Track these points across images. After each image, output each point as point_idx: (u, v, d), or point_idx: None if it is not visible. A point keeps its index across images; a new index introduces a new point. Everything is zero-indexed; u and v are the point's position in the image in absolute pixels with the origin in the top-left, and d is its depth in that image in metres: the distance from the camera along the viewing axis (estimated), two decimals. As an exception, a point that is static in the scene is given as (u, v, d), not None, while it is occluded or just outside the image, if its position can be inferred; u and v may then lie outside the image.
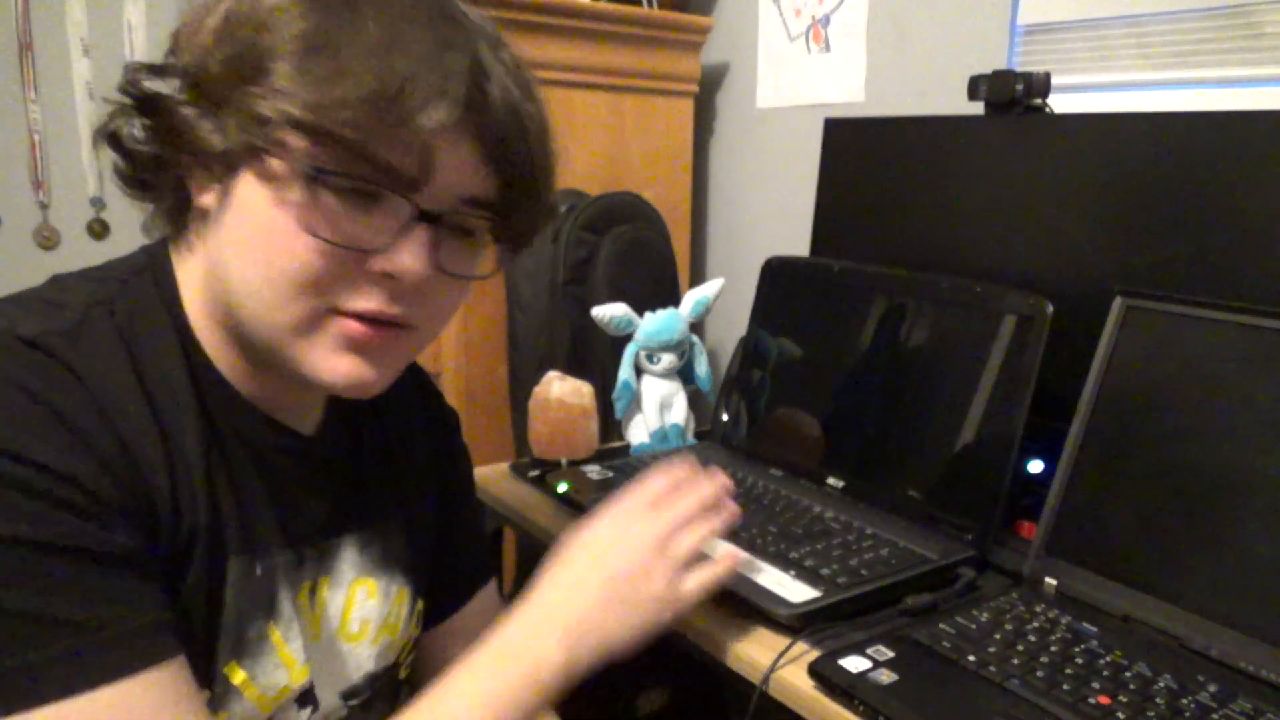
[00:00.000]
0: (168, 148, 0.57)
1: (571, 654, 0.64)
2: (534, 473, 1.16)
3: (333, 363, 0.58)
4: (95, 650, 0.49)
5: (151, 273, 0.61)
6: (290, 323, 0.56)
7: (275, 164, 0.54)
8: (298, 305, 0.56)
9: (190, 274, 0.61)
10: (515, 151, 0.58)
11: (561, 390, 1.17)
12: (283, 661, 0.62)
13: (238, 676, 0.59)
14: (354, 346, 0.58)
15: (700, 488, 0.76)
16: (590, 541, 0.71)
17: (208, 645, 0.57)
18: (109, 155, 0.60)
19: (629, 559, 0.69)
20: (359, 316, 0.57)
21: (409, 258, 0.56)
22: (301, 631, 0.64)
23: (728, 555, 0.77)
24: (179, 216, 0.61)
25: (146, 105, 0.56)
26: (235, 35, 0.53)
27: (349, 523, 0.70)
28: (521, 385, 1.41)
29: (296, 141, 0.53)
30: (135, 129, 0.58)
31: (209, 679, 0.58)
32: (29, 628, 0.47)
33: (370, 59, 0.51)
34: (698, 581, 0.72)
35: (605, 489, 1.07)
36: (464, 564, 0.82)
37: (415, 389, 0.81)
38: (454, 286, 0.61)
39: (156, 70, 0.57)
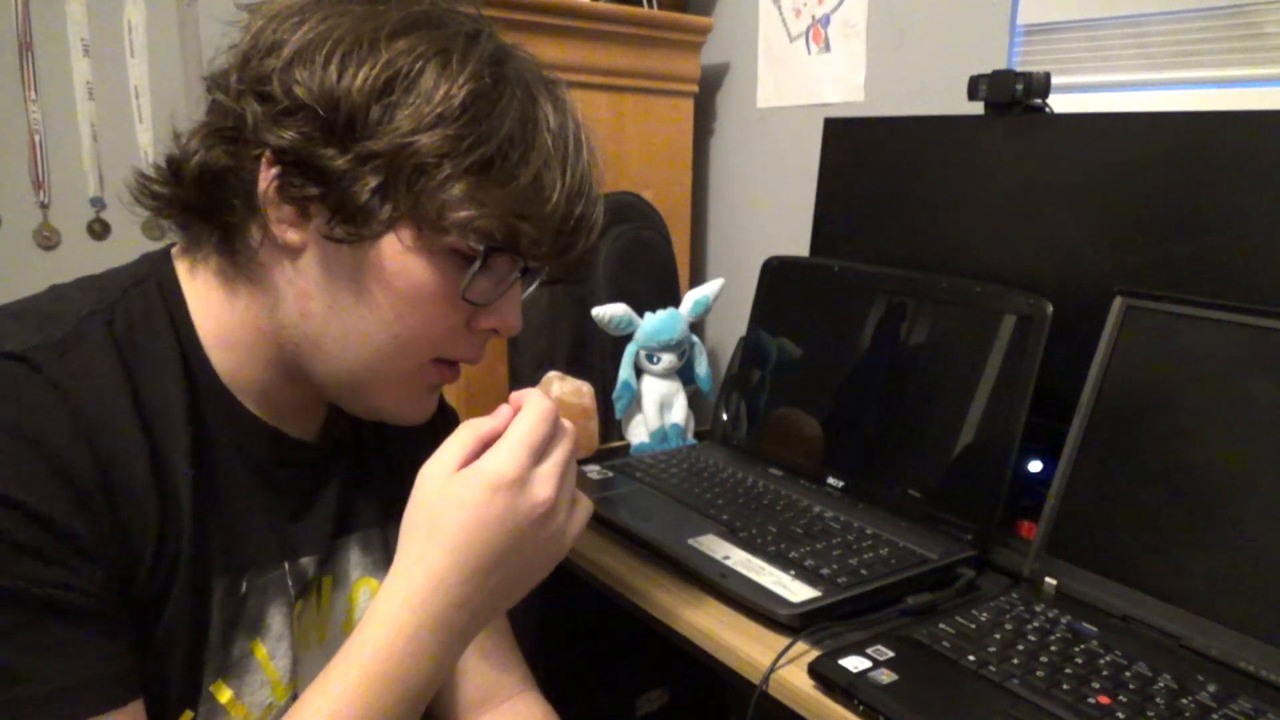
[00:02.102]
0: (250, 178, 0.56)
1: (457, 648, 0.58)
2: (534, 473, 1.16)
3: (416, 404, 0.64)
4: (26, 703, 0.48)
5: (155, 282, 0.60)
6: (398, 371, 0.61)
7: (446, 239, 0.57)
8: (414, 358, 0.61)
9: (225, 289, 0.60)
10: (592, 235, 0.65)
11: (561, 390, 1.17)
12: (268, 679, 0.62)
13: (224, 695, 0.59)
14: (435, 388, 0.65)
15: (565, 426, 0.63)
16: (480, 522, 0.55)
17: (194, 663, 0.57)
18: (126, 146, 0.59)
19: (536, 535, 0.57)
20: (451, 363, 0.64)
21: (512, 315, 0.64)
22: (291, 648, 0.64)
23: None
24: (225, 238, 0.59)
25: (286, 154, 0.55)
26: (402, 112, 0.54)
27: (352, 523, 0.70)
28: (521, 385, 1.40)
29: (464, 227, 0.57)
30: (221, 157, 0.57)
31: (194, 698, 0.57)
32: None
33: (549, 173, 0.58)
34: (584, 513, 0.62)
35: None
36: None
37: None
38: None
39: (266, 99, 0.55)
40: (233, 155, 0.56)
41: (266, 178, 0.56)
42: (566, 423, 0.62)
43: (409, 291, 0.57)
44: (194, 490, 0.57)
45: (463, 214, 0.56)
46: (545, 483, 0.57)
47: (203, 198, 0.58)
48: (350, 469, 0.71)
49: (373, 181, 0.54)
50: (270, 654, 0.62)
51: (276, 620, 0.63)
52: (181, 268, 0.61)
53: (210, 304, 0.60)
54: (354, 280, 0.57)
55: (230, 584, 0.59)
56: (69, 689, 0.49)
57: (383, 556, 0.72)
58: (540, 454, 0.57)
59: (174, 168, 0.58)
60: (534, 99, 0.58)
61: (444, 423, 0.82)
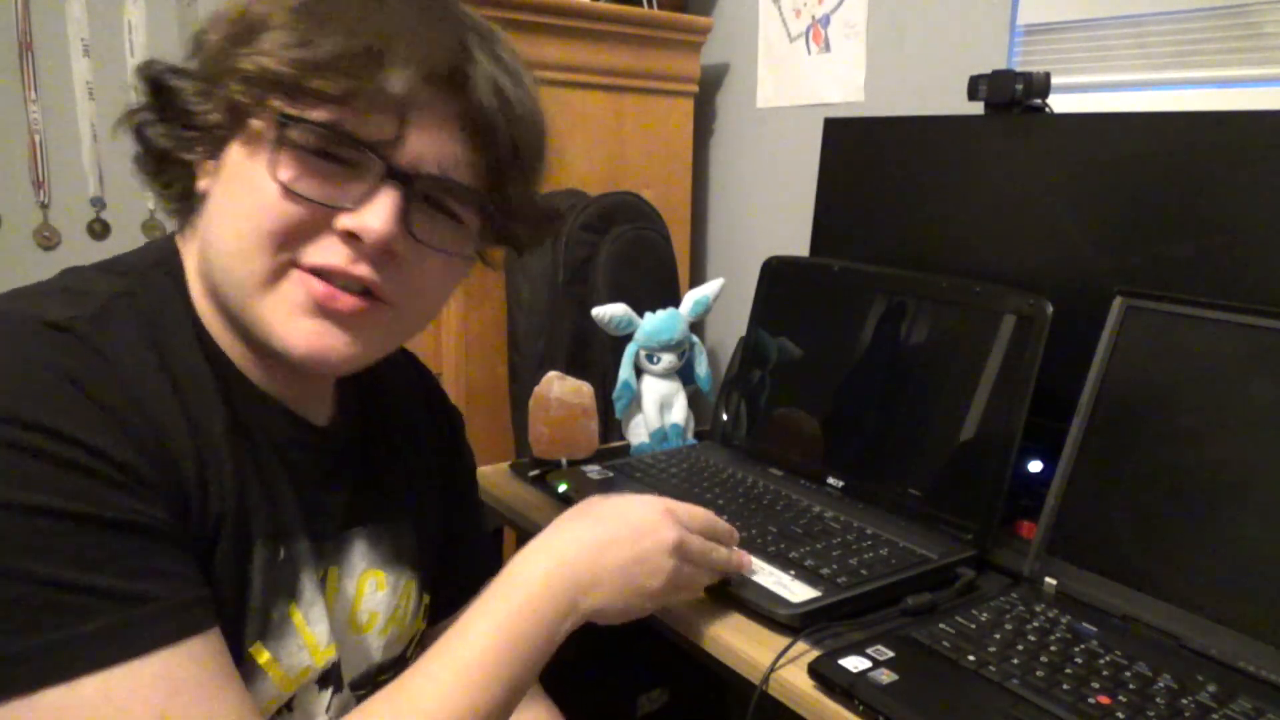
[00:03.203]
0: (176, 130, 0.59)
1: (574, 601, 0.66)
2: (534, 473, 1.16)
3: (296, 324, 0.58)
4: (139, 621, 0.50)
5: (165, 267, 0.62)
6: (253, 276, 0.57)
7: (257, 124, 0.56)
8: (262, 258, 0.57)
9: (192, 264, 0.62)
10: (499, 138, 0.59)
11: (561, 390, 1.17)
12: (305, 643, 0.63)
13: (263, 657, 0.60)
14: (318, 309, 0.58)
15: (726, 529, 0.81)
16: (612, 513, 0.72)
17: (234, 626, 0.58)
18: (127, 146, 0.62)
19: (649, 529, 0.71)
20: (320, 273, 0.57)
21: (372, 216, 0.56)
22: (326, 613, 0.65)
23: (738, 554, 0.81)
24: (186, 206, 0.62)
25: (154, 86, 0.58)
26: (235, 6, 0.56)
27: (361, 516, 0.70)
28: (521, 385, 1.41)
29: (278, 101, 0.55)
30: (150, 117, 0.60)
31: (235, 658, 0.58)
32: (72, 598, 0.48)
33: (354, 22, 0.54)
34: (699, 574, 0.76)
35: (605, 489, 1.07)
36: (469, 562, 0.82)
37: (421, 389, 0.81)
38: (435, 265, 0.61)
39: (177, 71, 0.59)
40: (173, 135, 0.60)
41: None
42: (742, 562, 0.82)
43: (243, 182, 0.57)
44: (233, 458, 0.58)
45: (261, 89, 0.55)
46: (688, 545, 0.72)
47: (149, 159, 0.62)
48: (359, 464, 0.71)
49: (212, 102, 0.57)
50: (306, 618, 0.63)
51: (309, 587, 0.64)
52: (182, 250, 0.63)
53: (194, 280, 0.62)
54: (215, 194, 0.59)
55: (271, 549, 0.61)
56: (183, 606, 0.52)
57: (391, 549, 0.72)
58: (704, 536, 0.75)
59: (127, 126, 0.62)
60: None
61: (448, 420, 0.83)
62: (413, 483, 0.75)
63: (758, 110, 1.68)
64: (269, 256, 0.57)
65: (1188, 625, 0.75)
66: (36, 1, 1.49)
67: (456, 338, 1.44)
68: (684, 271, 1.65)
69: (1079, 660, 0.73)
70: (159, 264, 0.62)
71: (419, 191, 0.58)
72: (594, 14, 1.49)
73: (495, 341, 1.47)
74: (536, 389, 1.19)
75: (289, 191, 0.56)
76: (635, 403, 1.32)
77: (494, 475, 1.18)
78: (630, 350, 1.30)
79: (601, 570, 0.68)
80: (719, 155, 1.79)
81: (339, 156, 0.56)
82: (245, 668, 0.59)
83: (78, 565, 0.48)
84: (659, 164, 1.64)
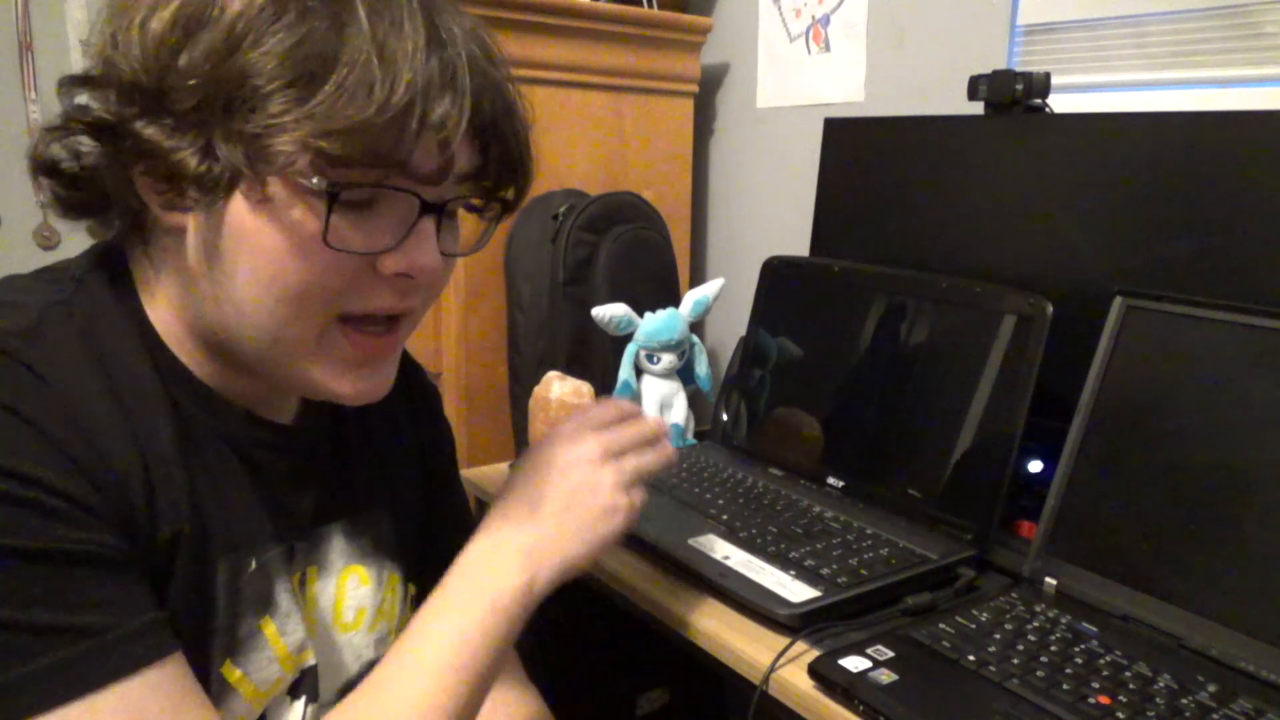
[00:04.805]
0: (122, 168, 0.54)
1: (531, 576, 0.64)
2: (534, 473, 1.16)
3: (348, 378, 0.59)
4: (91, 655, 0.48)
5: (106, 272, 0.59)
6: (300, 341, 0.56)
7: (276, 186, 0.52)
8: (309, 320, 0.55)
9: (153, 279, 0.59)
10: (502, 128, 0.58)
11: (561, 390, 1.17)
12: (276, 655, 0.61)
13: (233, 675, 0.59)
14: (365, 361, 0.59)
15: (642, 422, 0.76)
16: (537, 464, 0.70)
17: (201, 647, 0.56)
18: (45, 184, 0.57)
19: (576, 475, 0.69)
20: (369, 319, 0.57)
21: (421, 254, 0.56)
22: (303, 621, 0.64)
23: (661, 432, 0.77)
24: (137, 230, 0.59)
25: (103, 131, 0.53)
26: (201, 47, 0.50)
27: (336, 511, 0.68)
28: (521, 385, 1.40)
29: (303, 163, 0.51)
30: (81, 150, 0.55)
31: (204, 680, 0.57)
32: (16, 638, 0.46)
33: (369, 72, 0.50)
34: (640, 480, 0.72)
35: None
36: (453, 544, 0.81)
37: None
38: (448, 266, 0.61)
39: (92, 82, 0.53)
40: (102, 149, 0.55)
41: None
42: (659, 441, 0.76)
43: (272, 249, 0.53)
44: (185, 474, 0.56)
45: (281, 146, 0.50)
46: (610, 444, 0.71)
47: (75, 196, 0.58)
48: (332, 455, 0.70)
49: (190, 148, 0.51)
50: (280, 630, 0.62)
51: (284, 597, 0.62)
52: (129, 255, 0.60)
53: (152, 296, 0.59)
54: (223, 250, 0.54)
55: (237, 564, 0.59)
56: (138, 633, 0.50)
57: (370, 543, 0.70)
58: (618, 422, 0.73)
59: (41, 170, 0.57)
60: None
61: (425, 400, 0.80)
62: (390, 471, 0.74)
63: (758, 110, 1.68)
64: (316, 318, 0.56)
65: (1188, 625, 0.75)
66: (36, 2, 1.49)
67: (456, 338, 1.44)
68: (684, 271, 1.65)
69: (1079, 660, 0.73)
70: (99, 267, 0.59)
71: (448, 212, 0.58)
72: (594, 14, 1.49)
73: (495, 342, 1.47)
74: (536, 389, 1.19)
75: (338, 252, 0.53)
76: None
77: (494, 475, 1.18)
78: (630, 350, 1.30)
79: (545, 527, 0.67)
80: (719, 155, 1.79)
81: (378, 203, 0.55)
82: (215, 687, 0.57)
83: (19, 603, 0.46)
84: (659, 164, 1.64)
